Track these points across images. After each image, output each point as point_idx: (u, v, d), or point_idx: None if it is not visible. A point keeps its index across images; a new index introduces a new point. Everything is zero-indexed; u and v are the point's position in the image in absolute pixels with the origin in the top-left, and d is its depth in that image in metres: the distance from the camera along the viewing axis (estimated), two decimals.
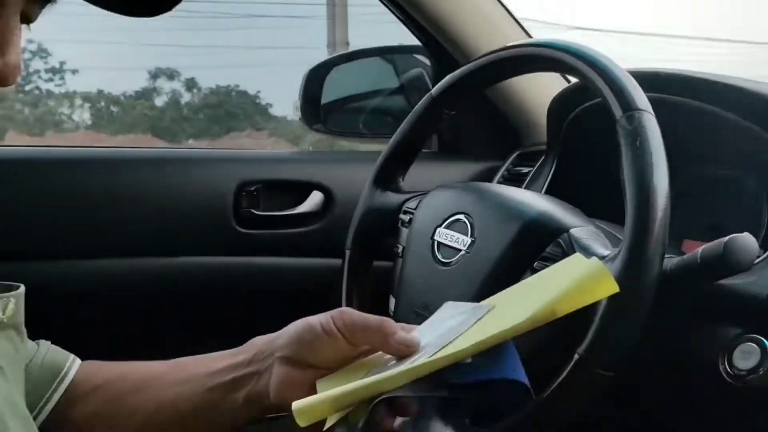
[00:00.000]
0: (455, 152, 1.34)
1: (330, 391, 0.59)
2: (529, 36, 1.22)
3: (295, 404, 0.59)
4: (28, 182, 1.08)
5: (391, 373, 0.59)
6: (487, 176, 1.27)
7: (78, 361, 0.75)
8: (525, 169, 1.20)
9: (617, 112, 0.70)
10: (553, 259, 0.71)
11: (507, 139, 1.29)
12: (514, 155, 1.26)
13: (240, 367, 0.72)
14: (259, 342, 0.73)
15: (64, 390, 0.72)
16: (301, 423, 0.58)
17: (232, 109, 16.55)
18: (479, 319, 0.63)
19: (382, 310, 0.89)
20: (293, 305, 1.24)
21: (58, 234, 1.08)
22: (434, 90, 0.92)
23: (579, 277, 0.58)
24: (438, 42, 1.18)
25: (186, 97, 17.48)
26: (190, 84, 17.46)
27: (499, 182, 1.23)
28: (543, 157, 1.14)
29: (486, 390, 0.61)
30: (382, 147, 1.39)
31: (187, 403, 0.72)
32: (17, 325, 0.64)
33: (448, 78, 0.91)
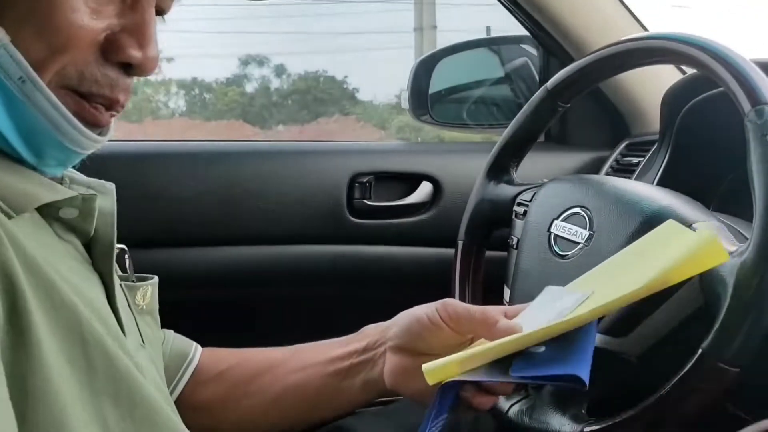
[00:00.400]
0: (562, 142, 1.33)
1: (458, 354, 0.63)
2: (644, 27, 1.20)
3: (426, 366, 0.62)
4: (161, 175, 1.15)
5: (515, 337, 0.62)
6: (596, 166, 1.26)
7: (200, 348, 0.81)
8: (635, 159, 1.19)
9: (745, 106, 0.69)
10: None
11: (615, 129, 1.28)
12: (623, 145, 1.25)
13: (355, 355, 0.76)
14: (371, 331, 0.77)
15: (191, 375, 0.78)
16: (430, 382, 0.63)
17: (320, 94, 16.77)
18: (588, 297, 0.65)
19: (495, 301, 0.91)
20: (404, 293, 1.28)
21: (180, 224, 1.15)
22: (549, 83, 0.93)
23: (692, 246, 0.59)
24: (548, 33, 1.18)
25: (275, 83, 17.79)
26: (280, 70, 17.76)
27: (608, 172, 1.22)
28: (654, 148, 1.13)
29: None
30: (488, 137, 1.41)
31: (309, 387, 0.77)
32: (153, 312, 0.70)
33: (563, 71, 0.91)
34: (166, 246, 1.15)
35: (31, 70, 0.49)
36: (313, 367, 0.78)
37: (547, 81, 1.29)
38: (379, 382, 0.75)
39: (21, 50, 0.49)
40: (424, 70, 1.32)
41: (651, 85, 1.19)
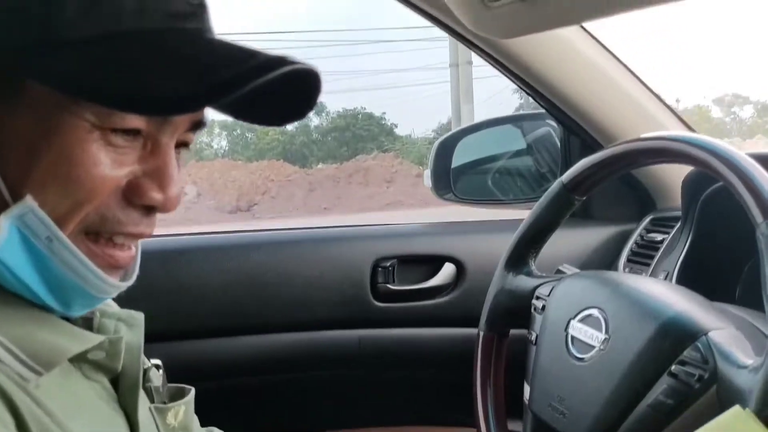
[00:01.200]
0: (586, 216, 1.33)
1: None
2: (684, 122, 1.20)
3: None
4: (189, 268, 1.19)
5: None
6: (620, 242, 1.25)
7: None
8: (659, 237, 1.18)
9: (758, 217, 0.69)
10: (692, 364, 0.71)
11: (640, 202, 1.27)
12: (648, 219, 1.24)
13: None
14: None
15: None
16: None
17: (359, 131, 16.98)
18: None
19: (517, 390, 0.92)
20: (429, 373, 1.29)
21: (209, 315, 1.18)
22: (564, 177, 0.93)
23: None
24: (566, 114, 1.19)
25: (315, 121, 18.12)
26: (320, 108, 18.09)
27: (632, 249, 1.21)
28: (678, 225, 1.12)
29: None
30: (513, 212, 1.41)
31: None
32: (186, 427, 0.72)
33: (578, 165, 0.92)
34: (195, 338, 1.18)
35: (57, 229, 0.51)
36: None
37: (567, 156, 1.31)
38: None
39: (46, 208, 0.50)
40: (446, 148, 1.33)
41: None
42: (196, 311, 1.17)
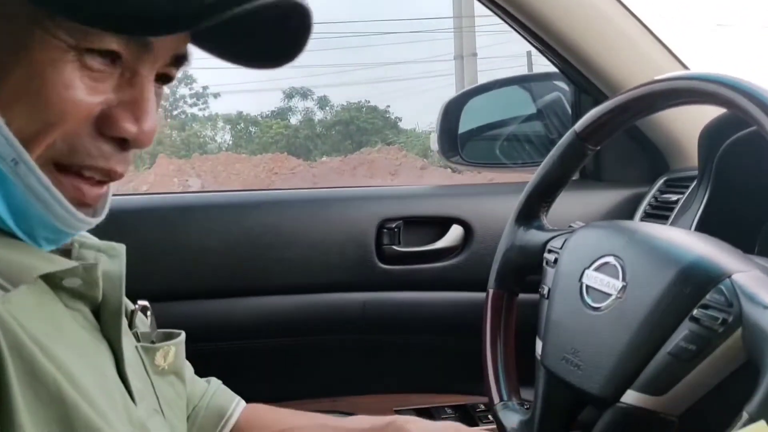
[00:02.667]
0: (597, 178, 1.29)
1: None
2: (683, 64, 1.16)
3: None
4: (188, 227, 1.15)
5: None
6: (633, 204, 1.22)
7: (242, 403, 0.79)
8: (674, 197, 1.14)
9: None
10: (715, 308, 0.67)
11: (653, 163, 1.24)
12: (661, 181, 1.20)
13: None
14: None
15: None
16: None
17: (363, 124, 16.93)
18: None
19: (528, 350, 0.88)
20: (436, 338, 1.26)
21: (209, 276, 1.15)
22: (577, 126, 0.90)
23: None
24: (578, 71, 1.15)
25: (319, 115, 18.06)
26: (323, 102, 18.04)
27: (646, 211, 1.18)
28: (693, 184, 1.08)
29: None
30: (520, 177, 1.38)
31: None
32: (178, 370, 0.69)
33: (592, 113, 0.88)
34: (195, 298, 1.15)
35: (24, 152, 0.48)
36: None
37: (579, 117, 1.27)
38: None
39: (12, 128, 0.48)
40: (454, 110, 1.30)
41: (689, 119, 1.15)
42: (196, 271, 1.13)
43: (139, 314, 0.67)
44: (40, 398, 0.47)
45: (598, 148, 0.90)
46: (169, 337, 0.68)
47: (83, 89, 0.49)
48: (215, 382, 0.79)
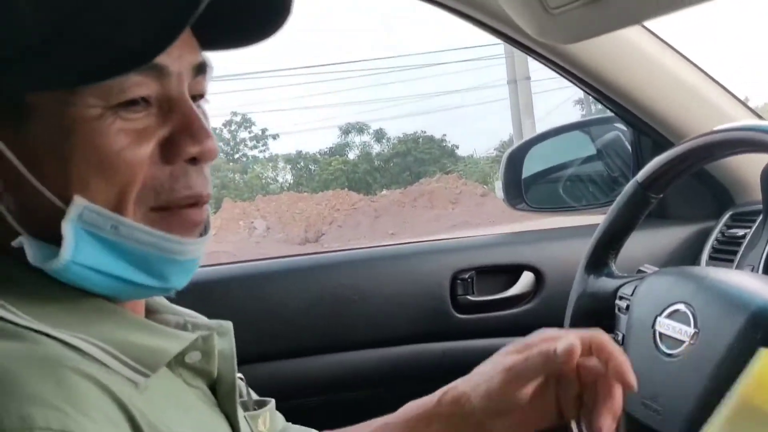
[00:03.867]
0: (662, 216, 1.31)
1: None
2: (756, 113, 1.18)
3: None
4: (274, 291, 1.22)
5: None
6: (699, 240, 1.23)
7: None
8: (741, 232, 1.15)
9: None
10: None
11: (717, 199, 1.25)
12: (727, 216, 1.21)
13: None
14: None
15: None
16: None
17: (420, 154, 17.03)
18: None
19: None
20: None
21: (295, 336, 1.22)
22: (640, 176, 0.93)
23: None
24: (635, 115, 1.18)
25: (376, 148, 18.28)
26: (379, 135, 18.26)
27: (714, 246, 1.19)
28: (760, 218, 1.10)
29: None
30: (586, 218, 1.41)
31: None
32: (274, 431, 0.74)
33: (652, 163, 0.92)
34: (282, 358, 1.21)
35: (117, 215, 0.53)
36: None
37: (639, 157, 1.30)
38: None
39: (98, 202, 0.52)
40: (517, 158, 1.34)
41: (752, 156, 1.17)
42: (282, 332, 1.20)
43: (239, 381, 0.74)
44: None
45: (661, 195, 0.94)
46: (262, 403, 0.73)
47: (134, 138, 0.53)
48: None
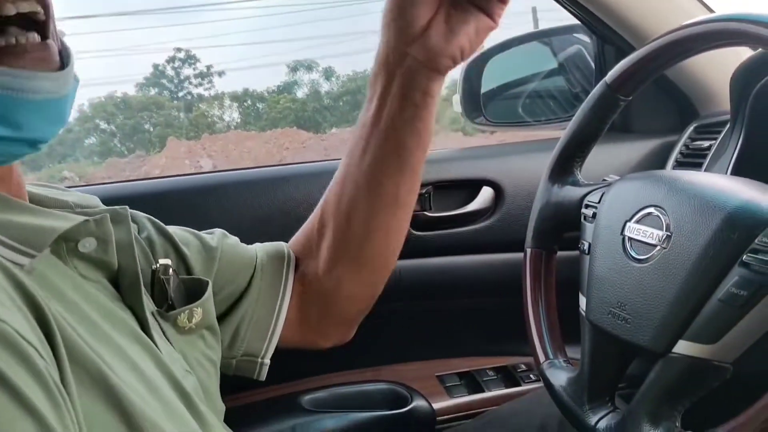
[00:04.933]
0: (626, 130, 1.28)
1: None
2: (710, 9, 1.13)
3: None
4: (215, 205, 1.15)
5: None
6: (663, 153, 1.20)
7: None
8: (705, 143, 1.12)
9: None
10: (766, 251, 0.67)
11: (682, 111, 1.22)
12: (691, 128, 1.18)
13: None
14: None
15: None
16: None
17: None
18: None
19: (571, 307, 0.88)
20: (473, 301, 1.26)
21: None
22: (609, 77, 0.88)
23: None
24: (601, 21, 1.12)
25: (325, 86, 17.96)
26: (329, 73, 17.91)
27: (677, 159, 1.16)
28: (725, 130, 1.06)
29: None
30: (546, 134, 1.36)
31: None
32: (209, 326, 0.69)
33: (623, 63, 0.87)
34: None
35: None
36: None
37: (603, 69, 1.25)
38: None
39: None
40: (474, 71, 1.28)
41: (718, 64, 1.13)
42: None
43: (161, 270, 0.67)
44: (82, 381, 0.46)
45: (630, 98, 0.89)
46: (198, 288, 0.69)
47: None
48: (257, 249, 0.85)
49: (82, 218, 0.53)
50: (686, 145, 1.16)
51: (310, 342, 0.86)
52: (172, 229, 0.76)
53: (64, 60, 0.53)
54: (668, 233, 0.75)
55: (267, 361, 0.79)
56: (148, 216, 0.75)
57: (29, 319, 0.43)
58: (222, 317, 0.76)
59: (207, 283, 0.70)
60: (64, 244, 0.53)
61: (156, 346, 0.57)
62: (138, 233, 0.71)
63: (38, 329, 0.43)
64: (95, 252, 0.54)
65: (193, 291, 0.69)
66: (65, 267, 0.53)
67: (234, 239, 0.83)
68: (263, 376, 0.80)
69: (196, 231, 0.80)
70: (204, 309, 0.68)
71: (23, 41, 0.50)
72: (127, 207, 0.61)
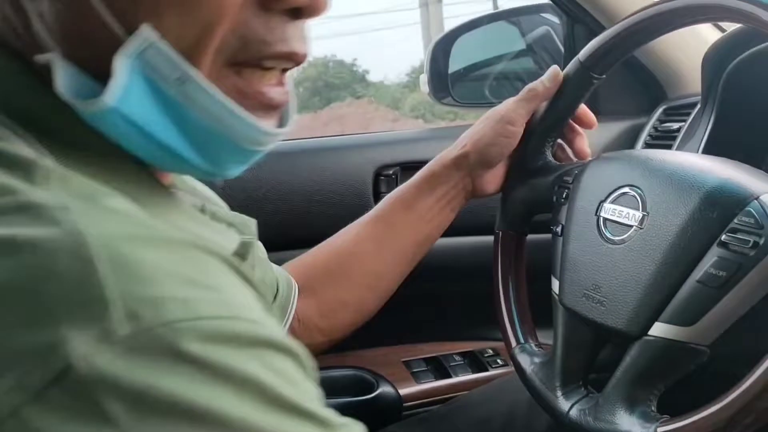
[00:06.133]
0: (593, 112, 1.26)
1: None
2: None
3: None
4: None
5: None
6: (631, 135, 1.19)
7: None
8: (675, 125, 1.11)
9: None
10: (745, 230, 0.65)
11: (650, 93, 1.20)
12: (660, 110, 1.17)
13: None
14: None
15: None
16: None
17: (331, 79, 16.72)
18: None
19: (542, 291, 0.85)
20: (444, 286, 1.23)
21: None
22: (581, 55, 0.86)
23: None
24: (576, 3, 1.10)
25: None
26: None
27: (646, 141, 1.15)
28: (695, 111, 1.05)
29: None
30: None
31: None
32: None
33: (596, 41, 0.85)
34: None
35: (188, 66, 0.40)
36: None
37: (572, 50, 1.24)
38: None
39: (169, 40, 0.39)
40: (442, 50, 1.25)
41: (688, 44, 1.12)
42: None
43: None
44: None
45: (604, 76, 0.87)
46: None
47: None
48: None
49: (236, 239, 0.51)
50: (655, 127, 1.15)
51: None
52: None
53: (285, 115, 0.51)
54: (644, 213, 0.73)
55: None
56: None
57: None
58: None
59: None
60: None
61: None
62: None
63: None
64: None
65: None
66: None
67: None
68: None
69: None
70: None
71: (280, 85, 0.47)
72: (255, 221, 0.59)
